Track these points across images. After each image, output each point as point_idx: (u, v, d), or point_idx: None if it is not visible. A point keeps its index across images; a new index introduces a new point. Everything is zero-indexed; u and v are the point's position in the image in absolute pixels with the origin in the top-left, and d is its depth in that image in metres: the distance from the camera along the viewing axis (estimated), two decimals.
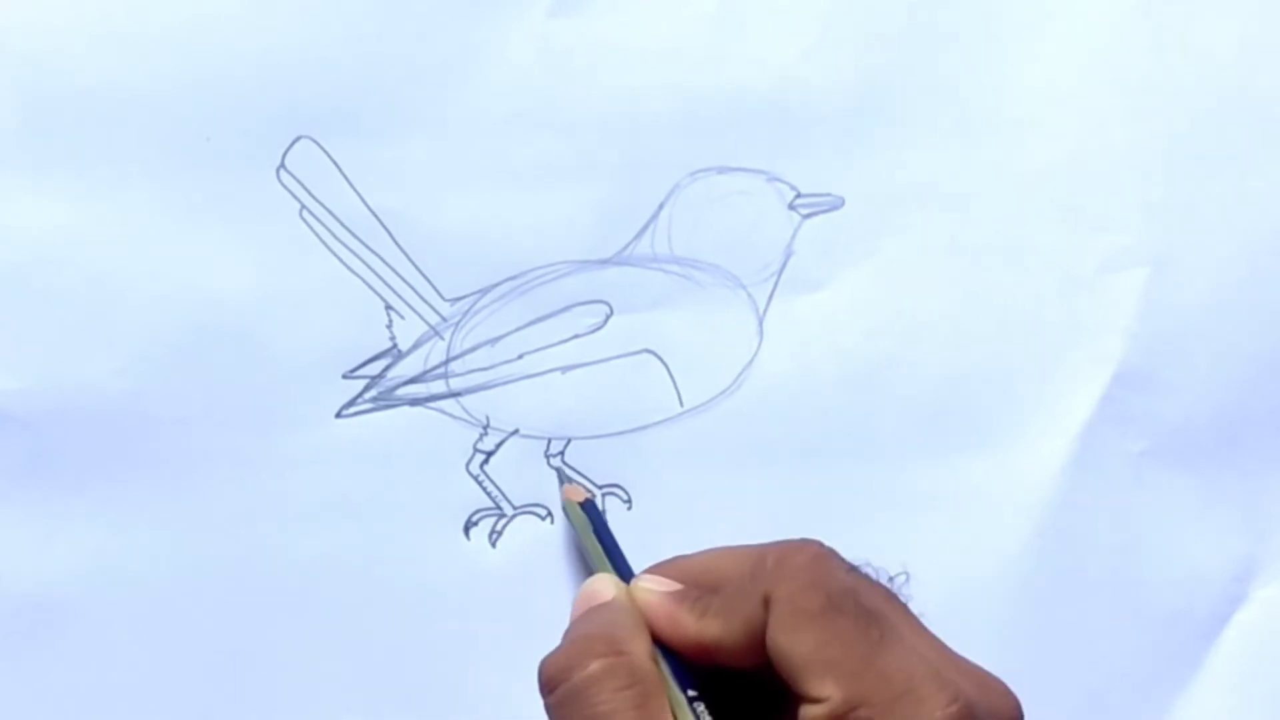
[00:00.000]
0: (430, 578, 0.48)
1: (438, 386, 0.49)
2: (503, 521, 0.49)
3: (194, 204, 0.48)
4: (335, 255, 0.49)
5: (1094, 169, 0.51)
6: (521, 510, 0.49)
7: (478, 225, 0.49)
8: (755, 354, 0.50)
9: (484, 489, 0.49)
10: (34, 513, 0.48)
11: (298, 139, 0.49)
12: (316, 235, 0.49)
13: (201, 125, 0.48)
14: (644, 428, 0.49)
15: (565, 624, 0.48)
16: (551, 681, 0.41)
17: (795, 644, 0.39)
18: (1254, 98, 0.52)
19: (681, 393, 0.50)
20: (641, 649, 0.42)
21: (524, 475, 0.49)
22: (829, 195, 0.50)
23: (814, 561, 0.41)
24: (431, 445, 0.49)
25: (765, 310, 0.50)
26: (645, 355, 0.50)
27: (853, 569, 0.41)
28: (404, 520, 0.48)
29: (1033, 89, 0.51)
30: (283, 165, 0.49)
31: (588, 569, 0.47)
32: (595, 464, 0.49)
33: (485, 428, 0.49)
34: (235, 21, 0.49)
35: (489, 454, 0.49)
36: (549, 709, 0.42)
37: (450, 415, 0.49)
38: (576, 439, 0.49)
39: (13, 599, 0.48)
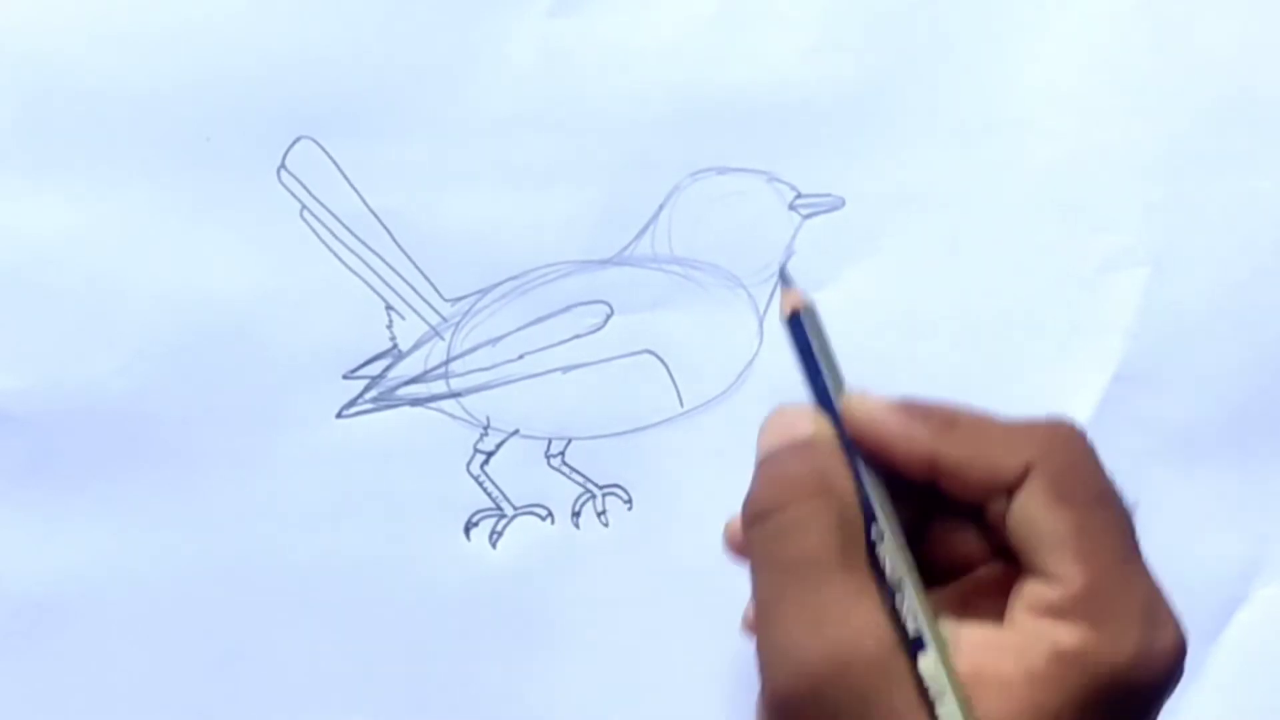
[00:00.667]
0: (431, 578, 0.48)
1: (438, 387, 0.49)
2: (503, 522, 0.49)
3: (195, 204, 0.48)
4: (336, 255, 0.49)
5: (1094, 169, 0.51)
6: (522, 511, 0.49)
7: (478, 225, 0.49)
8: (755, 354, 0.50)
9: (484, 489, 0.49)
10: (34, 512, 0.48)
11: (298, 139, 0.49)
12: (317, 235, 0.49)
13: (202, 125, 0.48)
14: (644, 428, 0.49)
15: (566, 627, 0.49)
16: (760, 516, 0.41)
17: (1054, 520, 0.39)
18: (1254, 98, 0.52)
19: (682, 393, 0.50)
20: (848, 490, 0.40)
21: (524, 476, 0.49)
22: (829, 195, 0.50)
23: (1087, 450, 0.40)
24: (432, 445, 0.49)
25: (765, 310, 0.50)
26: (645, 355, 0.50)
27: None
28: (404, 520, 0.49)
29: (1033, 89, 0.51)
30: (283, 165, 0.49)
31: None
32: (596, 464, 0.49)
33: (486, 428, 0.49)
34: (235, 21, 0.49)
35: (489, 454, 0.49)
36: (752, 541, 0.41)
37: (451, 415, 0.49)
38: (577, 439, 0.49)
39: (13, 598, 0.48)
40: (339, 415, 0.49)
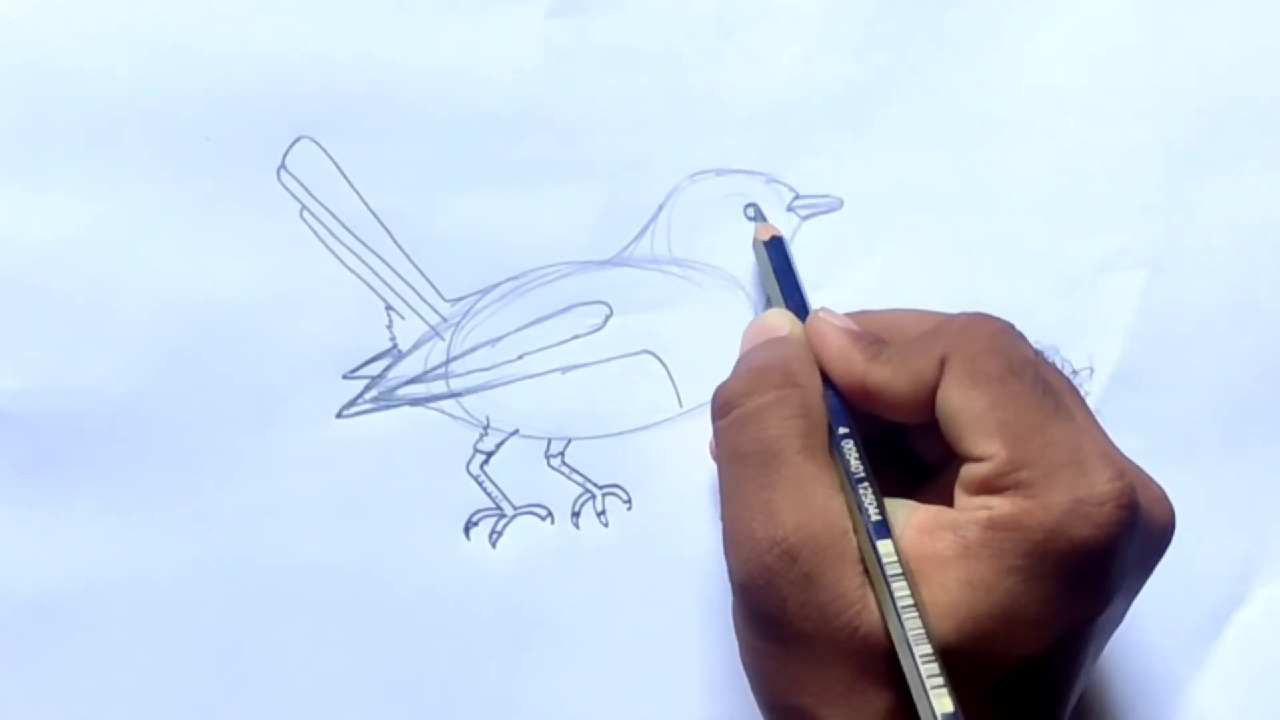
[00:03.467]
0: (430, 578, 0.48)
1: (438, 387, 0.49)
2: (503, 522, 0.49)
3: (194, 204, 0.48)
4: (336, 255, 0.49)
5: (1093, 170, 0.51)
6: (522, 510, 0.49)
7: (478, 226, 0.49)
8: None
9: (484, 489, 0.49)
10: (34, 512, 0.48)
11: (298, 139, 0.49)
12: (317, 235, 0.49)
13: (202, 125, 0.48)
14: (644, 428, 0.49)
15: (566, 628, 0.49)
16: (726, 406, 0.43)
17: (968, 402, 0.40)
18: (1253, 98, 0.52)
19: (681, 393, 0.50)
20: (814, 385, 0.43)
21: (524, 476, 0.49)
22: (828, 197, 0.50)
23: (1000, 331, 0.42)
24: (432, 445, 0.49)
25: (765, 311, 0.50)
26: (645, 356, 0.50)
27: (1037, 352, 0.42)
28: (404, 521, 0.48)
29: (1032, 89, 0.51)
30: (283, 165, 0.49)
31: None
32: (595, 464, 0.49)
33: (485, 428, 0.49)
34: (235, 21, 0.49)
35: (489, 454, 0.49)
36: (719, 432, 0.43)
37: (450, 415, 0.49)
38: (576, 439, 0.49)
39: (13, 599, 0.48)
40: (339, 415, 0.49)
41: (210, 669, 0.48)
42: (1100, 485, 0.39)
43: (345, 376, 0.49)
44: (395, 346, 0.49)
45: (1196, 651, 0.50)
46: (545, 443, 0.49)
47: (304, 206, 0.49)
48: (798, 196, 0.50)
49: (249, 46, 0.49)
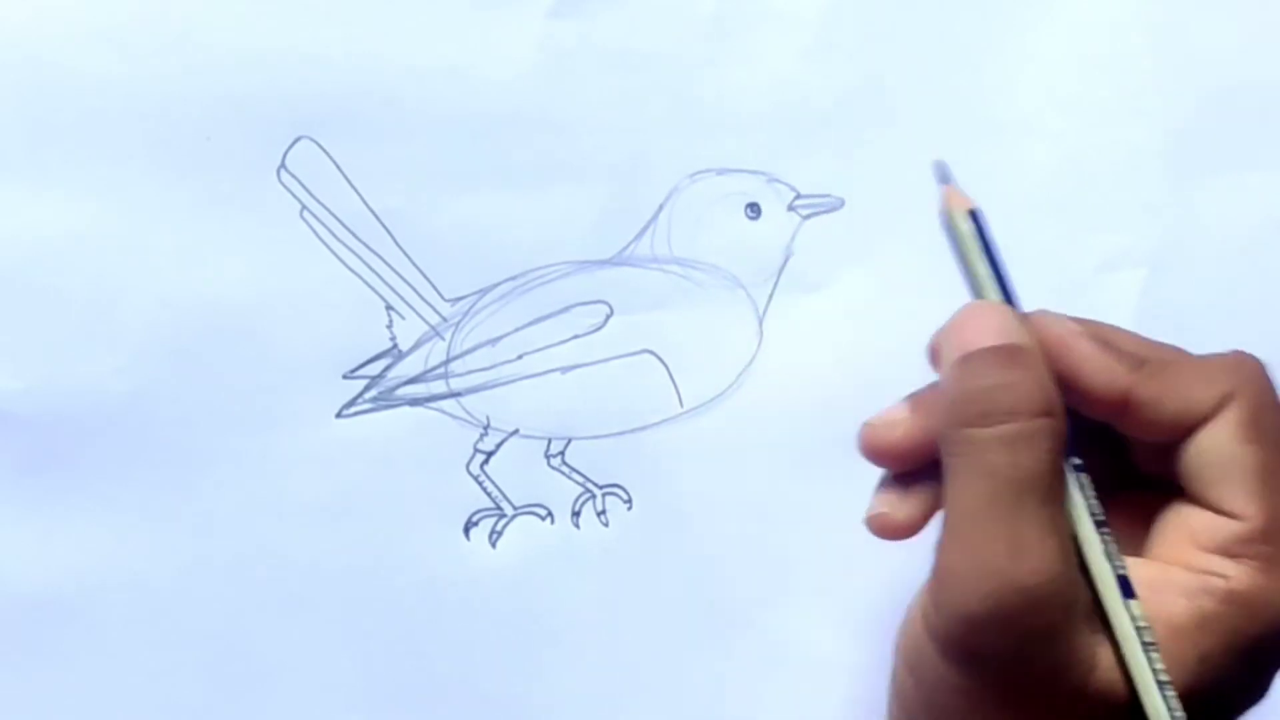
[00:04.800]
0: (430, 578, 0.48)
1: (438, 386, 0.49)
2: (503, 522, 0.49)
3: (195, 204, 0.48)
4: (336, 255, 0.49)
5: (1094, 169, 0.51)
6: (522, 510, 0.49)
7: (478, 225, 0.49)
8: (755, 354, 0.50)
9: (484, 489, 0.49)
10: (35, 512, 0.48)
11: (298, 139, 0.49)
12: (317, 235, 0.49)
13: (202, 125, 0.48)
14: (644, 428, 0.49)
15: (566, 627, 0.49)
16: (986, 416, 0.38)
17: (1244, 453, 0.38)
18: (1253, 97, 0.52)
19: (681, 393, 0.50)
20: (1064, 416, 0.38)
21: (524, 475, 0.49)
22: (829, 196, 0.50)
23: (1270, 383, 0.39)
24: (432, 445, 0.49)
25: (765, 311, 0.50)
26: (645, 355, 0.50)
27: None
28: (404, 520, 0.49)
29: (1032, 89, 0.51)
30: (283, 165, 0.49)
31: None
32: (595, 464, 0.49)
33: (485, 428, 0.49)
34: (236, 21, 0.49)
35: (489, 454, 0.49)
36: (963, 441, 0.38)
37: (450, 415, 0.49)
38: (577, 439, 0.49)
39: (13, 597, 0.48)
40: (339, 415, 0.49)
41: (211, 668, 0.48)
42: None
43: (345, 376, 0.49)
44: (395, 346, 0.49)
45: None
46: (545, 442, 0.49)
47: (304, 206, 0.49)
48: (799, 196, 0.50)
49: (249, 46, 0.49)
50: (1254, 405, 0.38)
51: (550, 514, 0.49)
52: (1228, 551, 0.37)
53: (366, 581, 0.48)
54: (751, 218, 0.50)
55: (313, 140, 0.49)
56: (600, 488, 0.49)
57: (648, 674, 0.49)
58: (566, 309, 0.49)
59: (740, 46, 0.50)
